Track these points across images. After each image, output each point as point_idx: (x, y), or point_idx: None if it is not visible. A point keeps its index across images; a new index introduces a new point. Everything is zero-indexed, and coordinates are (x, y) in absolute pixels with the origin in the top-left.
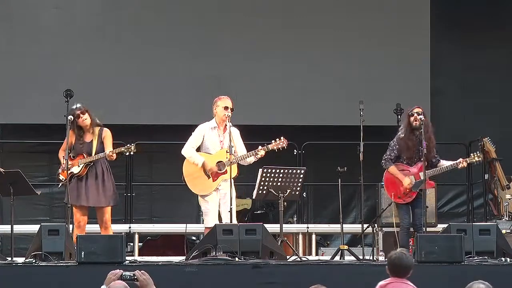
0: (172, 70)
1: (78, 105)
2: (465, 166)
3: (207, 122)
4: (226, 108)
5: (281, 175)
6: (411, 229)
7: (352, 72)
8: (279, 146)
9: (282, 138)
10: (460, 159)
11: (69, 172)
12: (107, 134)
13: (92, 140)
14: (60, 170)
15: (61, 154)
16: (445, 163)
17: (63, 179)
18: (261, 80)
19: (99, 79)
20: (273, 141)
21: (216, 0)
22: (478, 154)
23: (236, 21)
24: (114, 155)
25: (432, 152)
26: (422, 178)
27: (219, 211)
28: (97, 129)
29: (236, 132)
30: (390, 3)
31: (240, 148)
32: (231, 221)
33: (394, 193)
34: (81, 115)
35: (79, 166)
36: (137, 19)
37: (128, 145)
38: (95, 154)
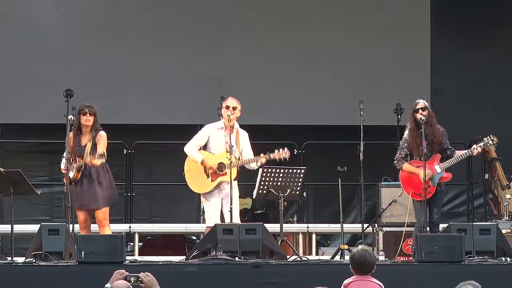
0: (172, 70)
1: (91, 105)
2: (480, 151)
3: (215, 122)
4: (227, 107)
5: (281, 175)
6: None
7: (352, 72)
8: (281, 157)
9: (285, 149)
10: (474, 145)
11: (68, 175)
12: (100, 137)
13: (86, 144)
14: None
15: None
16: (459, 152)
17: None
18: (261, 80)
19: (99, 79)
20: (276, 150)
21: (216, 0)
22: (492, 137)
23: (236, 21)
24: (96, 160)
25: (443, 144)
26: (438, 171)
27: (221, 210)
28: (92, 134)
29: (244, 135)
30: (390, 3)
31: (247, 151)
32: (231, 221)
33: (413, 191)
34: (88, 115)
35: (73, 171)
36: (137, 19)
37: None
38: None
